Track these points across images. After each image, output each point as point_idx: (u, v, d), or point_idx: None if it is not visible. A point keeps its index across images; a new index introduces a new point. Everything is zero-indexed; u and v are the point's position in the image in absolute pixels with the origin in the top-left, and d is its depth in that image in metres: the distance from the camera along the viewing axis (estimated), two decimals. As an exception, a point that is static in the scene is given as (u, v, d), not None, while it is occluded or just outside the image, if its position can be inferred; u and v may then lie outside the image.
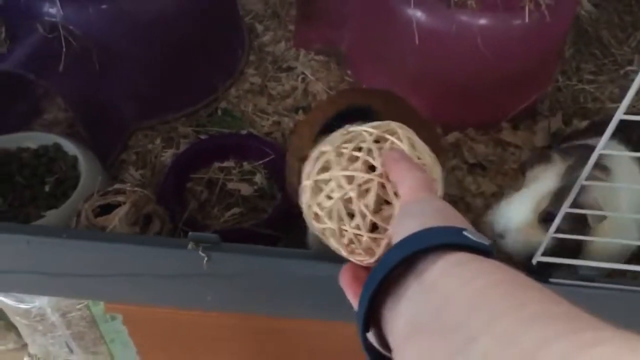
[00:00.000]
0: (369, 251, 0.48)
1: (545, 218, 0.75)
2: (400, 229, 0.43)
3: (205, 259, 0.69)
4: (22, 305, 0.95)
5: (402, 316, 0.39)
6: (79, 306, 0.96)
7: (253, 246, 0.71)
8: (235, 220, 0.98)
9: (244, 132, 1.10)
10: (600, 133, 0.51)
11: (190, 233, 0.70)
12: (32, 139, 1.01)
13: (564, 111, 1.14)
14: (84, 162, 0.96)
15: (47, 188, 0.97)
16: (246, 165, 1.05)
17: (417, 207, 0.45)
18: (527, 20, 0.97)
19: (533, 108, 1.14)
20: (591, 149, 0.71)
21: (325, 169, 0.50)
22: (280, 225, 0.94)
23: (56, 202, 0.94)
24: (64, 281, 0.81)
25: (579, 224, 0.70)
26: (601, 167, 0.72)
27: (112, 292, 0.84)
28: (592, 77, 1.20)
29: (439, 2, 0.99)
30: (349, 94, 1.00)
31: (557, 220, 0.60)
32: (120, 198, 0.87)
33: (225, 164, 1.05)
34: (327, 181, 0.49)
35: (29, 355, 1.11)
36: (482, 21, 0.99)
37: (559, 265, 0.66)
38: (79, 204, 0.88)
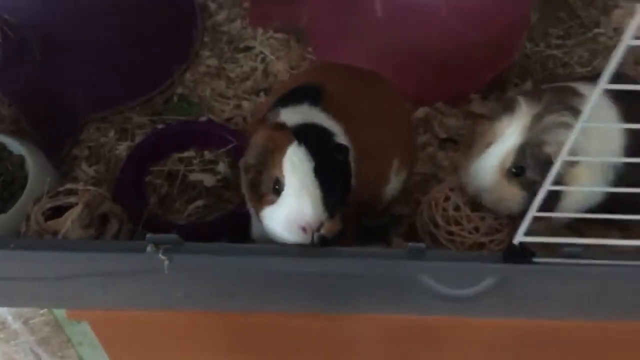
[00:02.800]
0: None
1: (516, 173, 0.74)
2: None
3: (167, 262, 0.64)
4: (-19, 314, 0.89)
5: None
6: (41, 311, 0.91)
7: (216, 245, 0.67)
8: (199, 214, 0.93)
9: (203, 118, 1.04)
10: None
11: (148, 235, 0.65)
12: (-27, 140, 0.94)
13: (533, 78, 1.11)
14: (31, 161, 0.89)
15: (-8, 191, 0.91)
16: (207, 154, 0.99)
17: None
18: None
19: (502, 77, 1.10)
20: (559, 90, 0.68)
21: None
22: (247, 217, 0.90)
23: (3, 205, 0.87)
24: (19, 291, 0.76)
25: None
26: (575, 111, 0.72)
27: (72, 299, 0.79)
28: (560, 42, 1.17)
29: (401, -28, 0.94)
30: (318, 71, 0.96)
31: (537, 200, 0.56)
32: (72, 199, 0.81)
33: (185, 154, 1.00)
34: None
35: (-8, 364, 1.05)
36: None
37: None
38: (28, 206, 0.82)
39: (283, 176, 0.67)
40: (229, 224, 0.89)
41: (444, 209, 0.82)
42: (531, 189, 0.73)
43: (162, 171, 0.97)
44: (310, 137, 0.68)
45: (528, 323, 0.78)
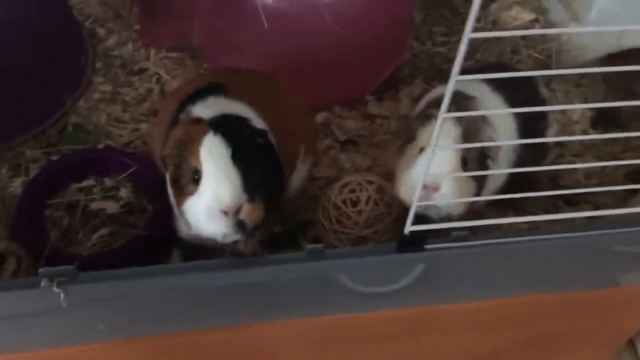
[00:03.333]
0: None
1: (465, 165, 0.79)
2: None
3: (62, 294, 0.62)
4: None
5: None
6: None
7: (113, 271, 0.65)
8: (105, 242, 0.91)
9: (101, 145, 1.02)
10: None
11: (40, 269, 0.63)
12: None
13: (422, 76, 1.16)
14: None
15: None
16: (108, 181, 0.97)
17: None
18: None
19: (393, 77, 1.15)
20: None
21: None
22: (157, 240, 0.89)
23: None
24: None
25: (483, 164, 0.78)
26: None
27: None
28: (445, 39, 1.22)
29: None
30: (215, 74, 0.97)
31: (418, 191, 0.60)
32: (-38, 242, 0.77)
33: (84, 183, 0.97)
34: None
35: None
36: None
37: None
38: None
39: (201, 165, 0.68)
40: (136, 248, 0.88)
41: (327, 210, 0.86)
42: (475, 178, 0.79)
43: (61, 203, 0.94)
44: (227, 125, 0.70)
45: (445, 308, 0.81)
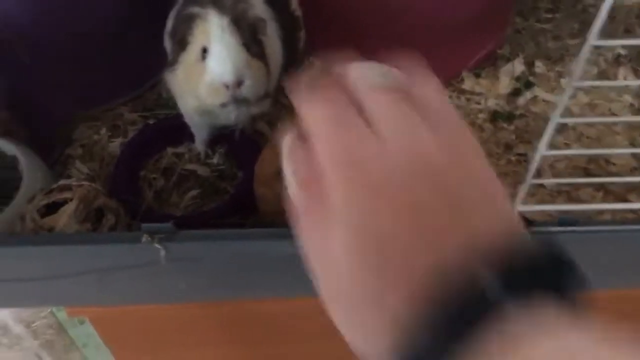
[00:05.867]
0: None
1: None
2: None
3: (163, 251, 0.63)
4: (-20, 320, 0.89)
5: None
6: (42, 314, 0.91)
7: (211, 231, 0.66)
8: (196, 205, 0.93)
9: (195, 111, 1.03)
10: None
11: (143, 225, 0.64)
12: (-35, 143, 0.93)
13: (525, 53, 1.10)
14: (24, 162, 0.89)
15: (-14, 193, 0.90)
16: (202, 148, 0.99)
17: None
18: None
19: (493, 54, 1.10)
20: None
21: None
22: (245, 205, 0.89)
23: (-1, 207, 0.87)
24: (16, 290, 0.75)
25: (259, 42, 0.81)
26: None
27: (71, 296, 0.79)
28: (550, 15, 1.16)
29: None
30: None
31: (533, 167, 0.56)
32: (66, 195, 0.80)
33: (179, 149, 0.99)
34: None
35: (-2, 371, 1.05)
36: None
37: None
38: (23, 206, 0.82)
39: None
40: (226, 212, 0.89)
41: None
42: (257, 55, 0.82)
43: (156, 165, 0.97)
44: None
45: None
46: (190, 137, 0.99)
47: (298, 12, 0.95)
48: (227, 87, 0.75)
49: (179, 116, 1.02)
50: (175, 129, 0.99)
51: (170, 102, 1.05)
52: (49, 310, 0.89)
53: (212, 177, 0.95)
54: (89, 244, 0.66)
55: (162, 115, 1.04)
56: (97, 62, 0.99)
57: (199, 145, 0.97)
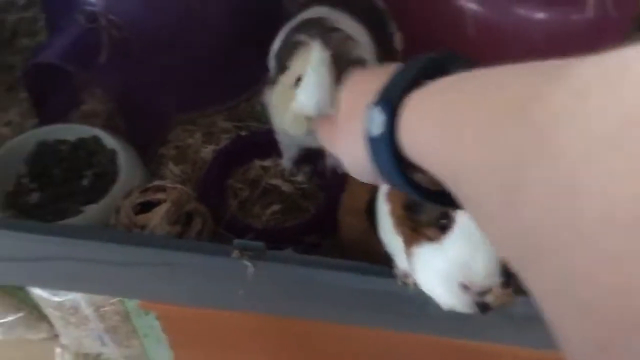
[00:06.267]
0: None
1: None
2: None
3: (252, 268, 0.65)
4: (56, 298, 0.93)
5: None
6: (112, 300, 0.94)
7: (299, 256, 0.68)
8: (277, 219, 0.95)
9: (287, 128, 1.05)
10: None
11: (235, 240, 0.67)
12: (70, 131, 0.99)
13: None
14: (123, 156, 0.94)
15: (85, 182, 0.95)
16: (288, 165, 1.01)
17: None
18: (591, 15, 0.90)
19: None
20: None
21: None
22: (323, 226, 0.91)
23: (94, 197, 0.91)
24: (100, 279, 0.79)
25: None
26: None
27: (147, 292, 0.82)
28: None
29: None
30: None
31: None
32: (160, 195, 0.84)
33: (266, 162, 1.01)
34: None
35: (61, 346, 1.09)
36: (541, 15, 0.93)
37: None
38: (118, 199, 0.86)
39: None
40: (306, 231, 0.90)
41: None
42: None
43: (244, 176, 1.00)
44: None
45: None
46: (278, 153, 1.01)
47: (399, 49, 0.96)
48: (309, 119, 0.75)
49: (269, 131, 1.05)
50: (265, 142, 1.02)
51: (262, 116, 1.08)
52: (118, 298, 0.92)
53: (294, 195, 0.97)
54: (179, 250, 0.69)
55: (253, 127, 1.07)
56: (202, 71, 1.04)
57: (286, 162, 0.99)
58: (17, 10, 1.23)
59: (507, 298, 0.55)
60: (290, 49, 0.81)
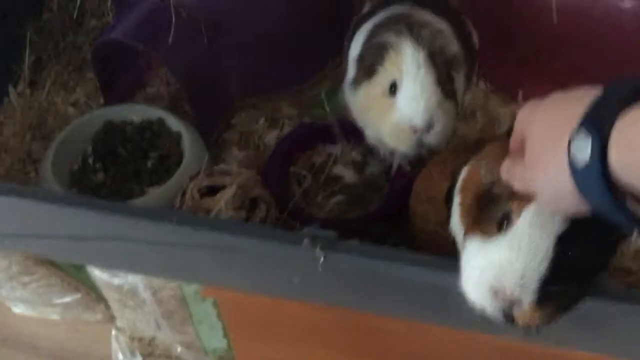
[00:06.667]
0: None
1: None
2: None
3: (322, 259, 0.63)
4: (115, 280, 0.93)
5: None
6: (170, 285, 0.94)
7: (373, 247, 0.65)
8: (340, 210, 0.92)
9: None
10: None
11: (305, 229, 0.64)
12: (136, 112, 0.99)
13: None
14: (188, 139, 0.93)
15: (149, 164, 0.95)
16: (355, 155, 0.98)
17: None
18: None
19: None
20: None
21: None
22: (389, 219, 0.88)
23: (159, 178, 0.91)
24: (161, 262, 0.78)
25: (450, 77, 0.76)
26: None
27: (208, 276, 0.81)
28: None
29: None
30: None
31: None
32: (226, 179, 0.83)
33: (332, 149, 0.99)
34: None
35: (117, 328, 1.10)
36: (628, 4, 0.88)
37: None
38: (183, 182, 0.85)
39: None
40: (371, 223, 0.88)
41: None
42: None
43: (307, 163, 0.97)
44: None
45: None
46: (342, 141, 0.98)
47: (476, 45, 0.91)
48: (415, 131, 0.70)
49: (340, 119, 1.02)
50: (328, 131, 0.99)
51: (327, 104, 1.05)
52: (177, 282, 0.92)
53: (359, 185, 0.94)
54: (247, 235, 0.67)
55: (317, 114, 1.04)
56: (269, 54, 1.02)
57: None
58: (85, -9, 1.24)
59: (534, 319, 0.52)
60: (376, 51, 0.75)
